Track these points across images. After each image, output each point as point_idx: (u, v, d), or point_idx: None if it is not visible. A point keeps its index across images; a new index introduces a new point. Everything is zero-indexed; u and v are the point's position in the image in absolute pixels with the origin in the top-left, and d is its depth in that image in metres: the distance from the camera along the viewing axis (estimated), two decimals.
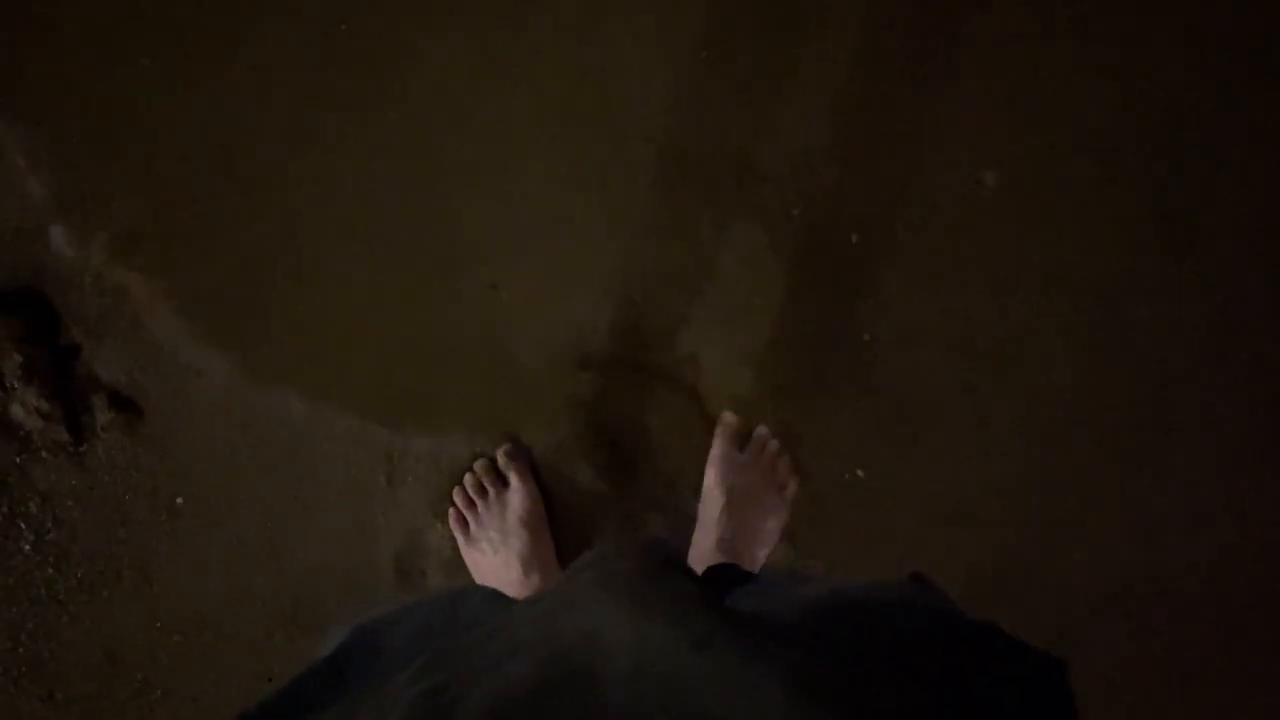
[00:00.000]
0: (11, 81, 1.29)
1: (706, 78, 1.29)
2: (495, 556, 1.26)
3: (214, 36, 1.28)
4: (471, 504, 1.29)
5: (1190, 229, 1.31)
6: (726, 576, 0.96)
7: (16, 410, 1.28)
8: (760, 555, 1.27)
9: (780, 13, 1.28)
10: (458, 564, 1.31)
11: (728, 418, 1.31)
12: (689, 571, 0.55)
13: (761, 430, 1.32)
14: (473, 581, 1.30)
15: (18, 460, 1.29)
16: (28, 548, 1.30)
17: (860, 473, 1.34)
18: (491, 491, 1.29)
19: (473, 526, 1.29)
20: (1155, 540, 1.36)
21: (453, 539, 1.31)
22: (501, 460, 1.31)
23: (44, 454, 1.30)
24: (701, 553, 1.25)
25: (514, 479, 1.29)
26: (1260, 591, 1.38)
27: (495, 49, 1.28)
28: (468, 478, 1.30)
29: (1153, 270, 1.32)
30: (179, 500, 1.31)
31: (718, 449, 1.30)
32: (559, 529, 1.32)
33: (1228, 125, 1.30)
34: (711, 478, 1.29)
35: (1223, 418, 1.34)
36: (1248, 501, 1.36)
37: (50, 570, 1.30)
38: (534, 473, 1.32)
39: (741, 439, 1.31)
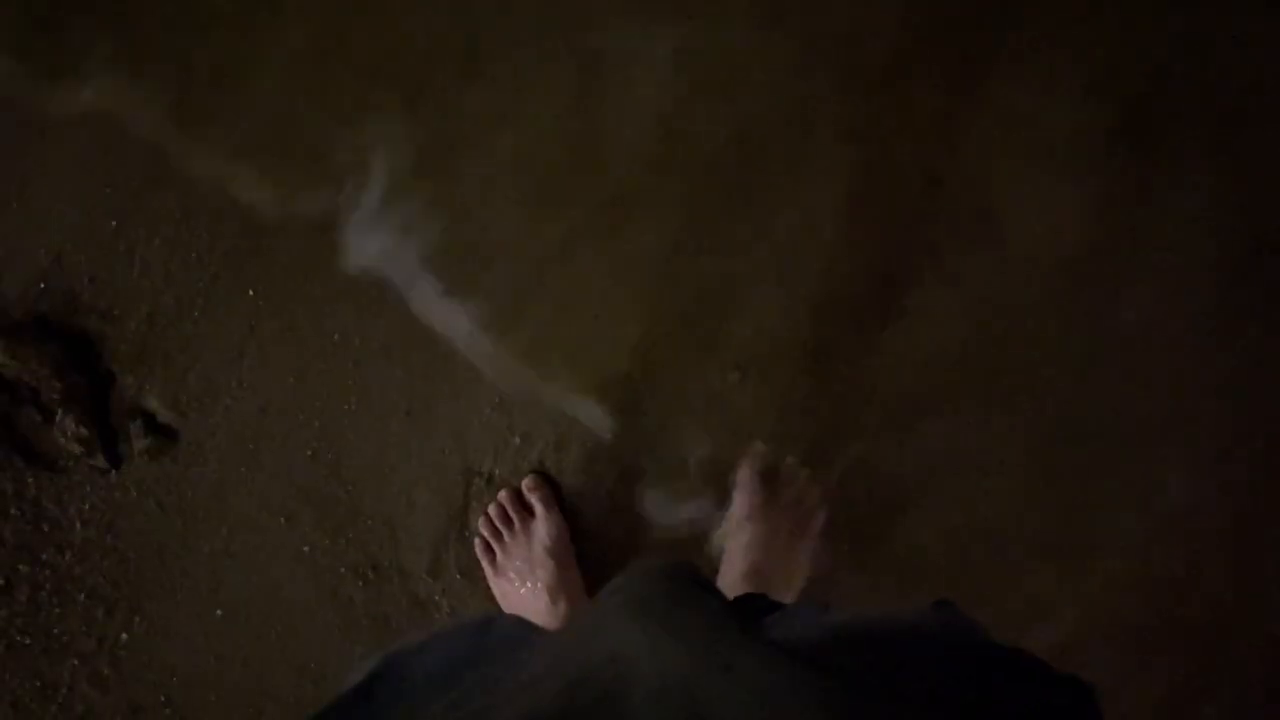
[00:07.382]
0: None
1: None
2: (523, 586, 1.27)
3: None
4: (498, 534, 1.30)
5: None
6: (754, 606, 0.96)
7: (56, 437, 1.31)
8: (788, 585, 1.26)
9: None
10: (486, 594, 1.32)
11: (757, 447, 1.31)
12: (717, 592, 0.55)
13: (790, 460, 1.31)
14: (500, 610, 1.31)
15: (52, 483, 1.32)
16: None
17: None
18: (517, 521, 1.30)
19: (499, 556, 1.29)
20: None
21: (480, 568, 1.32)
22: (527, 490, 1.31)
23: (78, 479, 1.32)
24: (729, 583, 1.24)
25: (540, 508, 1.29)
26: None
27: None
28: (493, 507, 1.31)
29: None
30: (219, 530, 1.33)
31: (746, 478, 1.30)
32: (585, 558, 1.32)
33: None
34: (739, 507, 1.29)
35: None
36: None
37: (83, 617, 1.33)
38: (559, 502, 1.33)
39: (770, 468, 1.31)
